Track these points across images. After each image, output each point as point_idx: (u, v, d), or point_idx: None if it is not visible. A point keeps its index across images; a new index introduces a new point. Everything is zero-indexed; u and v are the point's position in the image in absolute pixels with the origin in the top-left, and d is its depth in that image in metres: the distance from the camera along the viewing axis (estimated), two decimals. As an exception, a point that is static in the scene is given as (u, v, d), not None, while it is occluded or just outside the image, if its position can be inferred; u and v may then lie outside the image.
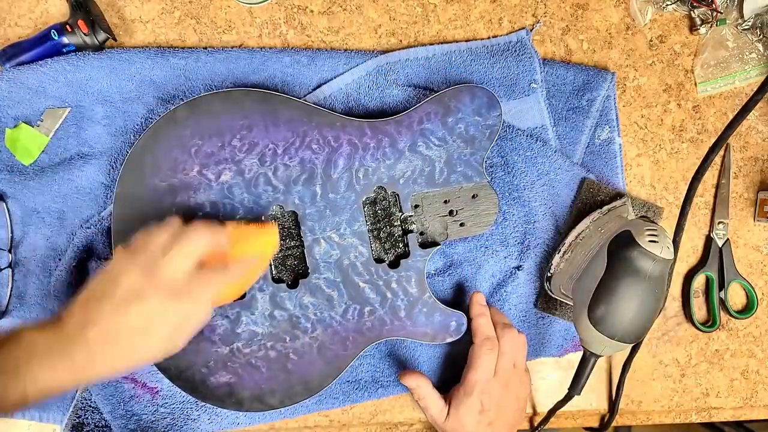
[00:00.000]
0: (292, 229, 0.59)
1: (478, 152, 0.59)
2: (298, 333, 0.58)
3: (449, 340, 0.59)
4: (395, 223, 0.60)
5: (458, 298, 0.64)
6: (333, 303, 0.58)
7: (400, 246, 0.60)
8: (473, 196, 0.60)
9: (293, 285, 0.58)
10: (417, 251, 0.59)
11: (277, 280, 0.58)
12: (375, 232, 0.60)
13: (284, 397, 0.57)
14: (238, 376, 0.57)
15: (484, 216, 0.60)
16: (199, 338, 0.56)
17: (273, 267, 0.58)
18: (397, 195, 0.59)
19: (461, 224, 0.60)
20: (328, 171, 0.57)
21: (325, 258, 0.58)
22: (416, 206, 0.59)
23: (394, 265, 0.59)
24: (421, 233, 0.60)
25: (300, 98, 0.61)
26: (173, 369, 0.56)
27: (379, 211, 0.59)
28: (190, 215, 0.56)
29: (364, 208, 0.59)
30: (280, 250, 0.59)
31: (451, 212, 0.60)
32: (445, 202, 0.60)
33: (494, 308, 0.61)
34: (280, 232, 0.58)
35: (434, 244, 0.60)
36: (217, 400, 0.57)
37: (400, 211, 0.59)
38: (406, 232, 0.60)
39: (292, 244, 0.59)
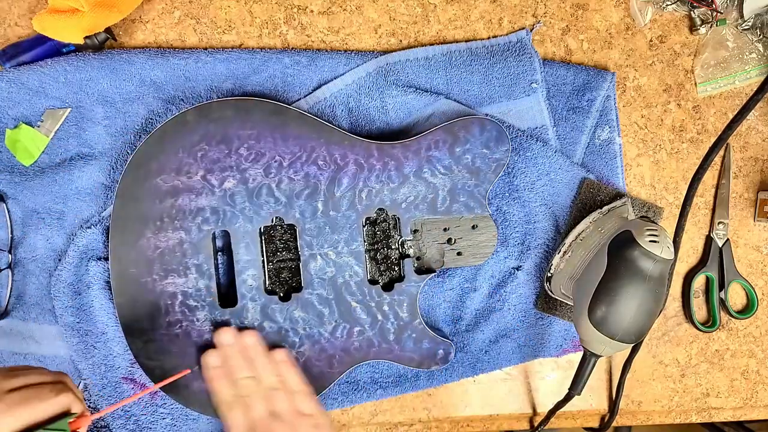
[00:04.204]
0: (289, 242, 0.59)
1: (482, 184, 0.59)
2: (286, 346, 0.58)
3: (434, 368, 0.60)
4: (393, 246, 0.60)
5: (458, 299, 0.64)
6: (323, 320, 0.58)
7: (396, 269, 0.60)
8: (473, 227, 0.60)
9: (285, 298, 0.58)
10: (412, 276, 0.59)
11: (270, 292, 0.58)
12: (372, 253, 0.60)
13: None
14: None
15: (482, 247, 0.60)
16: (187, 342, 0.57)
17: (267, 278, 0.58)
18: (398, 218, 0.59)
19: (458, 253, 0.60)
20: (331, 188, 0.58)
21: (319, 274, 0.58)
22: (415, 231, 0.60)
23: (387, 287, 0.59)
24: (418, 258, 0.60)
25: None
26: (157, 370, 0.56)
27: (378, 233, 0.60)
28: (189, 219, 0.56)
29: (363, 228, 0.59)
30: (276, 261, 0.59)
31: (449, 240, 0.60)
32: (445, 229, 0.60)
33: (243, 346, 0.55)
34: (278, 244, 0.58)
35: (430, 270, 0.60)
36: (199, 405, 0.57)
37: (399, 234, 0.59)
38: (403, 256, 0.60)
39: (288, 257, 0.59)
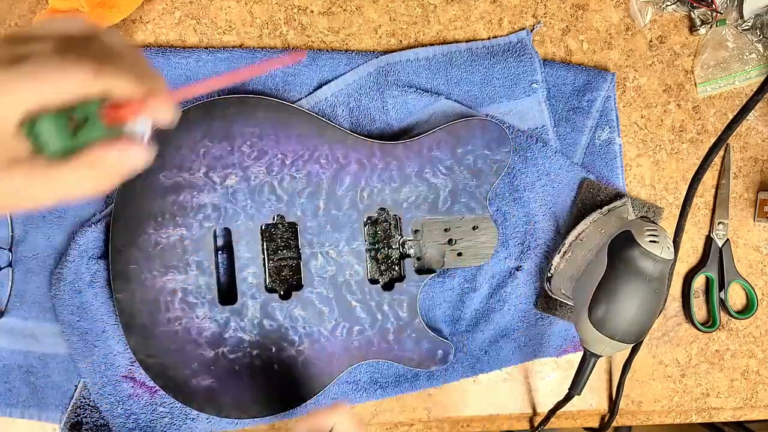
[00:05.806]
0: (290, 240, 0.59)
1: (483, 185, 0.59)
2: (285, 345, 0.58)
3: (434, 368, 0.60)
4: (393, 246, 0.60)
5: (458, 300, 0.64)
6: (323, 318, 0.58)
7: (396, 269, 0.60)
8: (474, 228, 0.60)
9: (286, 296, 0.58)
10: (412, 276, 0.59)
11: (270, 290, 0.58)
12: (372, 253, 0.60)
13: (264, 407, 0.57)
14: (220, 382, 0.57)
15: (483, 248, 0.60)
16: (186, 339, 0.57)
17: (267, 276, 0.58)
18: (399, 218, 0.59)
19: (459, 254, 0.60)
20: (333, 187, 0.58)
21: (320, 273, 0.58)
22: (416, 231, 0.60)
23: (388, 287, 0.59)
24: (418, 258, 0.60)
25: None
26: (156, 367, 0.56)
27: (378, 232, 0.60)
28: (190, 215, 0.56)
29: (364, 227, 0.59)
30: (276, 259, 0.59)
31: (450, 241, 0.60)
32: (446, 230, 0.60)
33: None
34: (279, 242, 0.58)
35: (430, 270, 0.60)
36: (197, 403, 0.57)
37: (400, 234, 0.59)
38: (404, 255, 0.60)
39: (289, 254, 0.59)
